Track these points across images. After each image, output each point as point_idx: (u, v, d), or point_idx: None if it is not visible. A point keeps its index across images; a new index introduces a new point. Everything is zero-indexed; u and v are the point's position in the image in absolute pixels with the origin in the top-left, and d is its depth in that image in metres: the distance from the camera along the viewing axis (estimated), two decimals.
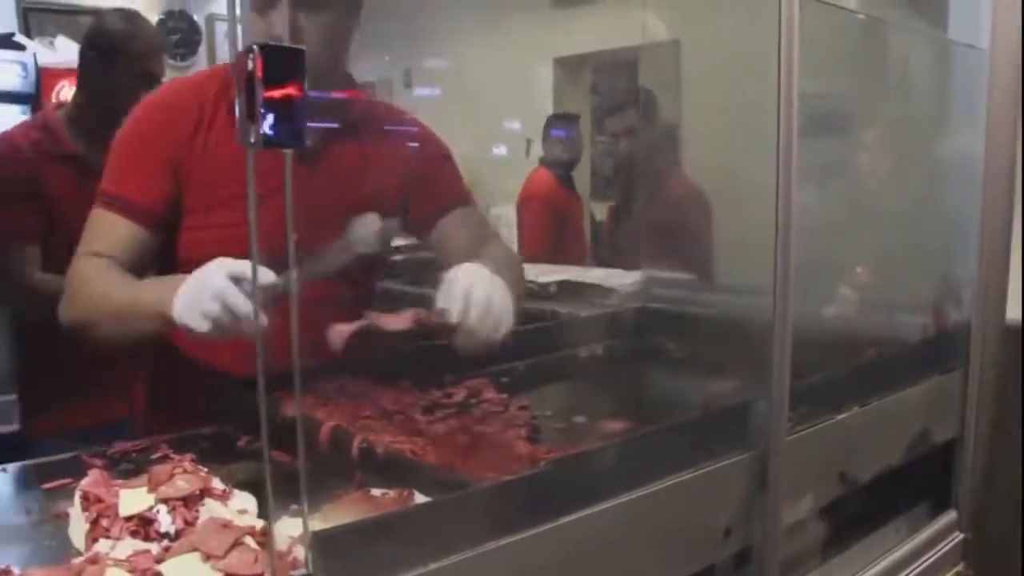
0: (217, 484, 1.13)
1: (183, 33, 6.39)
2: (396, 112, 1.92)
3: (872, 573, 1.47)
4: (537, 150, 4.92)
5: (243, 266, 1.30)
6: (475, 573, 0.91)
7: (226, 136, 1.64)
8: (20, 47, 5.61)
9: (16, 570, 1.01)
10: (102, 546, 1.01)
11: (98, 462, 1.41)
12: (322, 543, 0.79)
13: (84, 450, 1.46)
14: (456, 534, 0.90)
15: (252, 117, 0.69)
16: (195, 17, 6.44)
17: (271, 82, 0.68)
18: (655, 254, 2.39)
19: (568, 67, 6.01)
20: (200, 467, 1.18)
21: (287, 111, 0.70)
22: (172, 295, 1.36)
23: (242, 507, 1.08)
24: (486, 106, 5.95)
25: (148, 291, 1.48)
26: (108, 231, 1.60)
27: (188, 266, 1.54)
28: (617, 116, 3.89)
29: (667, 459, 1.18)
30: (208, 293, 1.30)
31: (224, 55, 5.06)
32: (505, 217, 5.15)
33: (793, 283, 1.24)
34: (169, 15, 6.35)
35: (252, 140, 0.70)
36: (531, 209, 4.23)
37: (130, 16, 2.57)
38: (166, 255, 1.65)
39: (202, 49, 6.44)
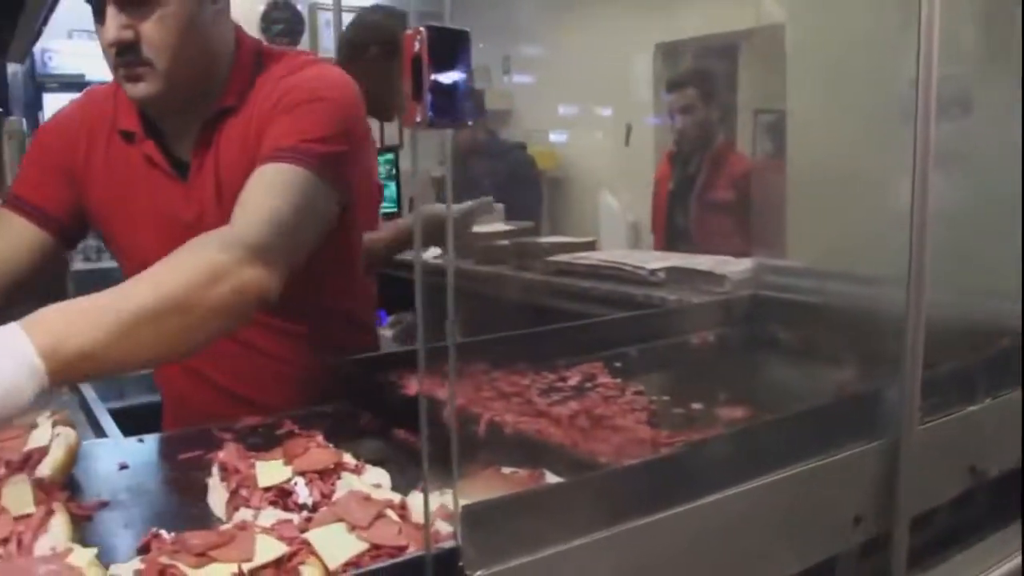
0: (348, 459, 1.16)
1: (286, 23, 6.53)
2: None
3: (1000, 572, 1.43)
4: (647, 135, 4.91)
5: None
6: (614, 552, 0.91)
7: (116, 161, 1.58)
8: None
9: (164, 533, 1.06)
10: (243, 515, 1.05)
11: (228, 435, 1.46)
12: (471, 517, 0.80)
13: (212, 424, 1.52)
14: (595, 513, 0.91)
15: (418, 98, 0.70)
16: (298, 7, 6.57)
17: (438, 63, 0.69)
18: (766, 241, 2.35)
19: (669, 53, 5.95)
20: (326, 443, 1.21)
21: (452, 92, 0.71)
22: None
23: (376, 481, 1.09)
24: (585, 92, 5.95)
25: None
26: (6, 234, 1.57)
27: None
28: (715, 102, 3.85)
29: (795, 446, 1.16)
30: None
31: (328, 43, 5.14)
32: (605, 205, 5.13)
33: (928, 270, 1.21)
34: (273, 5, 6.49)
35: (418, 121, 0.71)
36: (656, 193, 4.21)
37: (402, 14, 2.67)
38: None
39: (305, 38, 6.57)
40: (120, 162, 1.56)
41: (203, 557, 0.82)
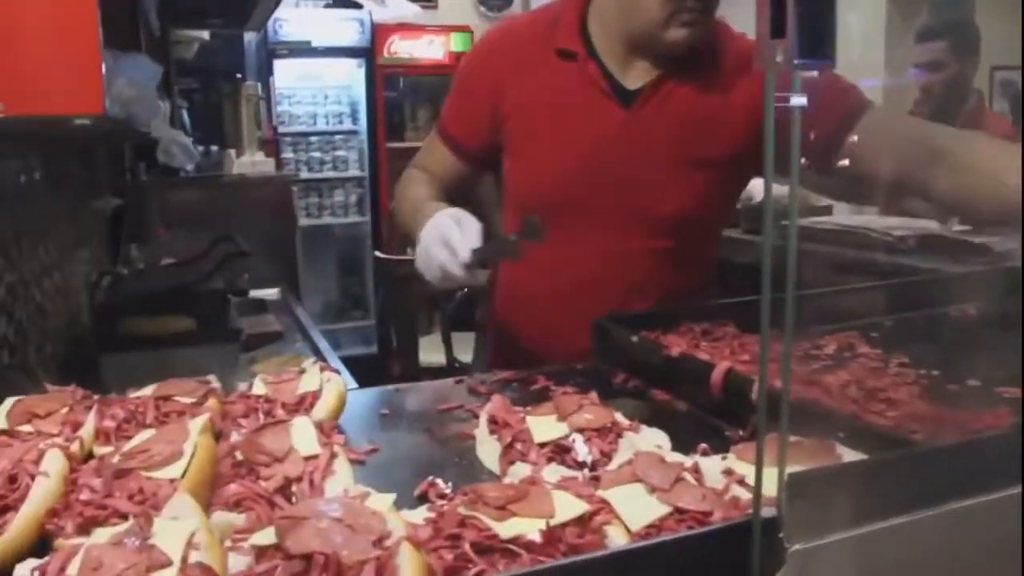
0: (620, 418, 1.11)
1: None
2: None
3: None
4: (875, 95, 4.60)
5: (453, 234, 1.42)
6: (937, 533, 0.82)
7: (546, 78, 1.64)
8: (357, 5, 5.96)
9: (441, 484, 1.04)
10: (519, 469, 1.01)
11: (483, 388, 1.44)
12: (796, 487, 0.73)
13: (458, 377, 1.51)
14: (918, 491, 0.81)
15: (779, 34, 0.63)
16: None
17: None
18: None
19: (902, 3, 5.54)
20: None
21: (817, 27, 0.63)
22: (421, 230, 1.50)
23: (657, 443, 1.04)
24: None
25: (416, 215, 1.58)
26: (434, 154, 1.79)
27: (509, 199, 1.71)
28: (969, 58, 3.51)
29: None
30: (432, 261, 1.45)
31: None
32: None
33: None
34: None
35: (779, 60, 0.64)
36: None
37: None
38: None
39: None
40: (556, 78, 1.63)
41: (503, 511, 0.79)
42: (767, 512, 0.74)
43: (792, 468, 0.76)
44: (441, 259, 1.42)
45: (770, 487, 0.76)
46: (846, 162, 1.51)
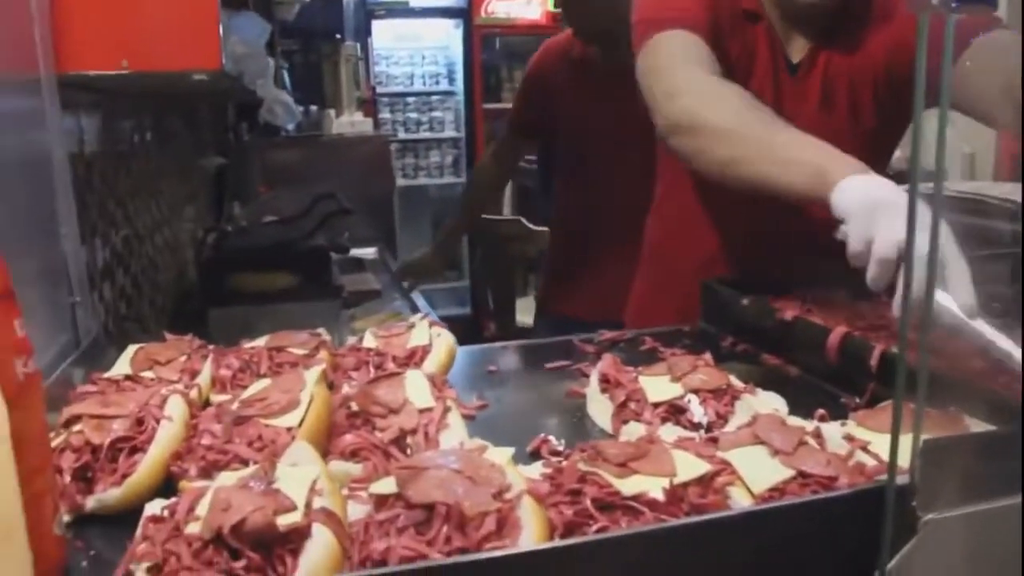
0: (734, 380, 1.09)
1: None
2: None
3: None
4: None
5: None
6: None
7: (733, 41, 1.54)
8: None
9: (553, 440, 1.04)
10: (633, 428, 1.00)
11: (590, 348, 1.43)
12: (932, 454, 0.70)
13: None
14: None
15: None
16: None
17: None
18: None
19: None
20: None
21: None
22: (833, 178, 1.11)
23: (774, 406, 1.02)
24: None
25: (808, 150, 1.20)
26: (688, 45, 1.43)
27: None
28: None
29: None
30: (884, 236, 1.03)
31: None
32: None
33: None
34: None
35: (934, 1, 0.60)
36: None
37: None
38: None
39: None
40: (746, 38, 1.56)
41: (624, 468, 0.78)
42: (899, 480, 0.71)
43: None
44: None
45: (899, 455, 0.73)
46: None
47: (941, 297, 0.97)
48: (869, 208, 1.05)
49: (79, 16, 1.30)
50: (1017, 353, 0.97)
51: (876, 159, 1.57)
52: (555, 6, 2.54)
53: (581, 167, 2.63)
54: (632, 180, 2.38)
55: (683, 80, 1.39)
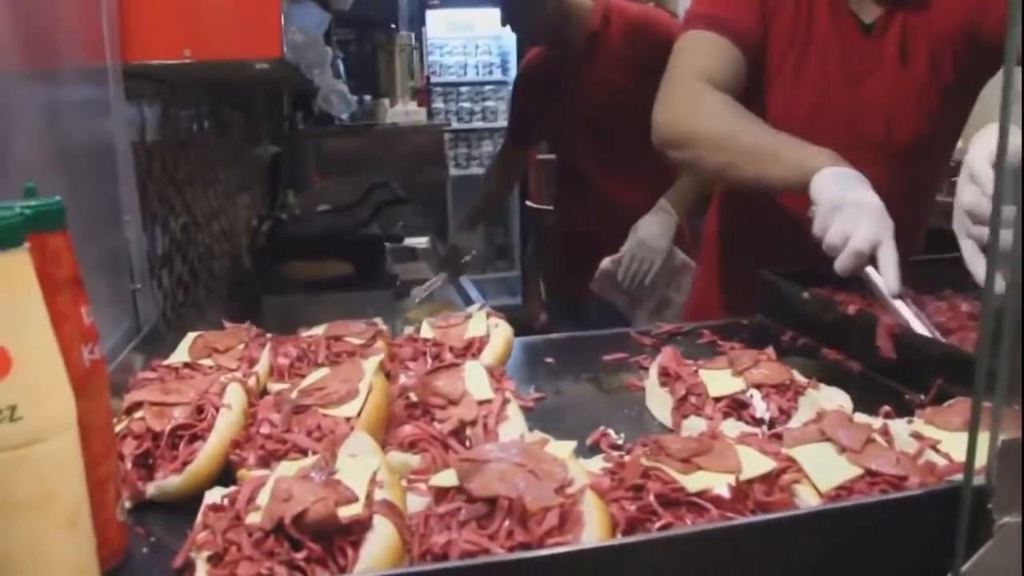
0: (796, 375, 1.07)
1: None
2: None
3: None
4: None
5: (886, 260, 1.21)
6: None
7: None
8: None
9: (613, 434, 1.02)
10: (694, 423, 0.99)
11: (647, 340, 1.41)
12: (1008, 455, 0.68)
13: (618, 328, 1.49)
14: None
15: None
16: None
17: None
18: None
19: None
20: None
21: None
22: (813, 168, 1.28)
23: (839, 402, 0.99)
24: None
25: (788, 149, 1.36)
26: (705, 50, 1.52)
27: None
28: None
29: None
30: (862, 234, 1.20)
31: None
32: None
33: None
34: None
35: None
36: None
37: None
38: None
39: None
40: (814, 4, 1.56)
41: (688, 463, 0.76)
42: (975, 481, 0.69)
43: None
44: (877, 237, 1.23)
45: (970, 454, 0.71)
46: None
47: (872, 273, 1.22)
48: (838, 201, 1.24)
49: (145, 7, 1.31)
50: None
51: (957, 111, 1.61)
52: (502, 24, 2.60)
53: (568, 165, 2.82)
54: (607, 172, 2.53)
55: (679, 94, 1.52)
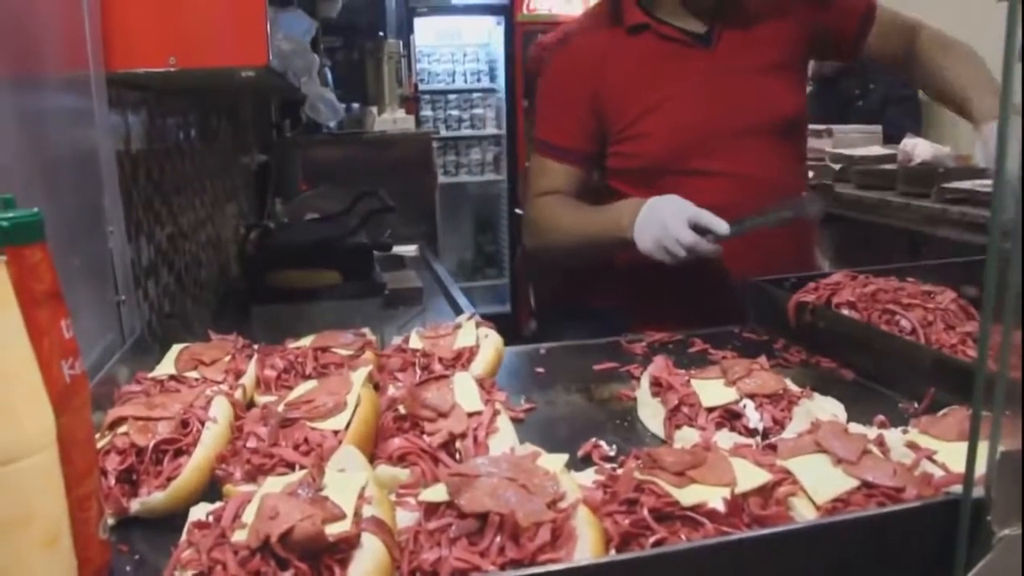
0: (790, 384, 1.05)
1: None
2: None
3: None
4: None
5: (701, 216, 1.44)
6: None
7: (630, 56, 1.72)
8: None
9: (604, 446, 1.01)
10: (687, 434, 0.97)
11: (638, 350, 1.40)
12: (1007, 466, 0.67)
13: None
14: None
15: None
16: None
17: None
18: None
19: None
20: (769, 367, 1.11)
21: None
22: (627, 222, 1.53)
23: (832, 412, 0.98)
24: None
25: (600, 219, 1.65)
26: (550, 175, 1.80)
27: (619, 179, 1.74)
28: None
29: None
30: (671, 239, 1.45)
31: None
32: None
33: None
34: None
35: None
36: None
37: None
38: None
39: None
40: (639, 51, 1.73)
41: (682, 477, 0.75)
42: (973, 493, 0.68)
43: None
44: (687, 239, 1.44)
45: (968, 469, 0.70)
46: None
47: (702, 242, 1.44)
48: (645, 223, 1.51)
49: (129, 14, 1.29)
50: None
51: (798, 87, 1.83)
52: None
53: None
54: None
55: (531, 214, 1.84)
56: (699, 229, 1.44)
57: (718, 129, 1.69)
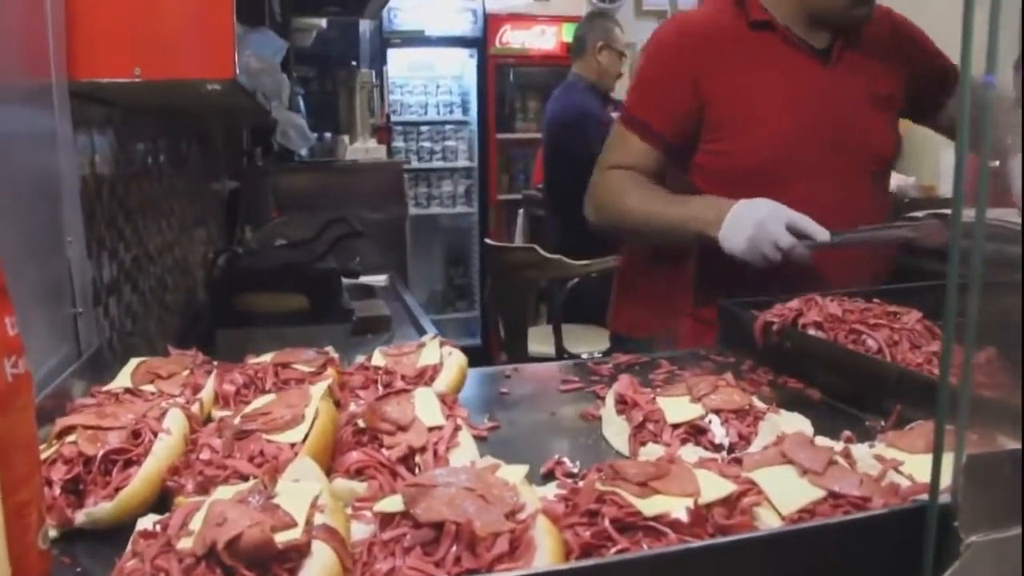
0: (756, 401, 1.04)
1: None
2: None
3: None
4: None
5: (800, 220, 1.48)
6: None
7: (748, 49, 1.72)
8: None
9: (568, 462, 0.99)
10: (651, 450, 0.96)
11: (603, 370, 1.39)
12: (976, 471, 0.66)
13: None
14: None
15: None
16: None
17: None
18: None
19: None
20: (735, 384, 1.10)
21: None
22: (715, 218, 1.56)
23: (798, 427, 0.97)
24: None
25: (687, 209, 1.65)
26: (628, 148, 1.77)
27: (704, 177, 1.72)
28: None
29: None
30: (768, 241, 1.48)
31: None
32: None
33: None
34: None
35: None
36: None
37: None
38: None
39: None
40: (755, 49, 1.72)
41: (645, 487, 0.73)
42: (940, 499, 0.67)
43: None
44: (785, 241, 1.47)
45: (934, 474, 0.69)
46: None
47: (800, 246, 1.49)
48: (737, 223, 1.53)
49: (93, 23, 1.28)
50: None
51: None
52: None
53: None
54: None
55: (605, 186, 1.80)
56: (795, 234, 1.46)
57: (819, 150, 1.67)
